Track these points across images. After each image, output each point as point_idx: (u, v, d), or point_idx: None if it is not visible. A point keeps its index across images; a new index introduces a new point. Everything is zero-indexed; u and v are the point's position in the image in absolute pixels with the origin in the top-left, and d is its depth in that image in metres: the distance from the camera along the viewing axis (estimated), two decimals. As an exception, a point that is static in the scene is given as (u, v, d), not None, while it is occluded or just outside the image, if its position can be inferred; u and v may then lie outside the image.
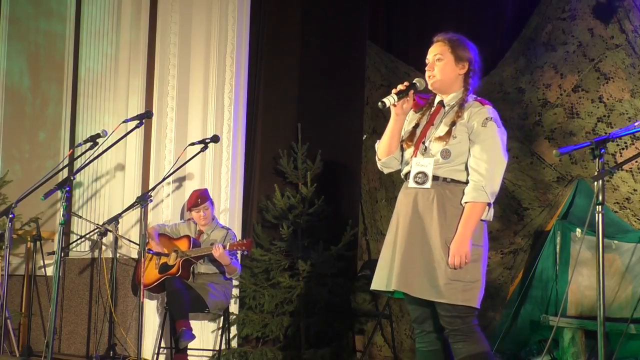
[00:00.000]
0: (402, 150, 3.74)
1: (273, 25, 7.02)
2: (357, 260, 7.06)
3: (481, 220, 3.55)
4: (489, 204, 3.55)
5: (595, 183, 3.18)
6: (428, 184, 3.57)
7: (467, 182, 3.55)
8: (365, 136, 7.36)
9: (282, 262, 6.51)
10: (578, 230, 5.54)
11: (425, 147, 3.62)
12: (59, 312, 6.83)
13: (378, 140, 3.81)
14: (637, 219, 5.91)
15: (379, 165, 3.84)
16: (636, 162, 5.90)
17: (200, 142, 6.28)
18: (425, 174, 3.58)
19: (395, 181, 7.08)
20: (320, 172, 6.72)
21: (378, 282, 3.66)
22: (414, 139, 3.68)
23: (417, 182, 3.60)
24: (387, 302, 6.59)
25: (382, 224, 7.24)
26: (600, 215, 3.19)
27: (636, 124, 3.38)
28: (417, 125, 3.71)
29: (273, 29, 7.02)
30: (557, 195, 6.20)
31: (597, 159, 3.21)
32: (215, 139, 6.35)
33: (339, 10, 7.11)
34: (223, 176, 6.78)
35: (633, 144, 5.94)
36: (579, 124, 6.27)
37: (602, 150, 3.21)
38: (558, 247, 5.59)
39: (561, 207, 5.95)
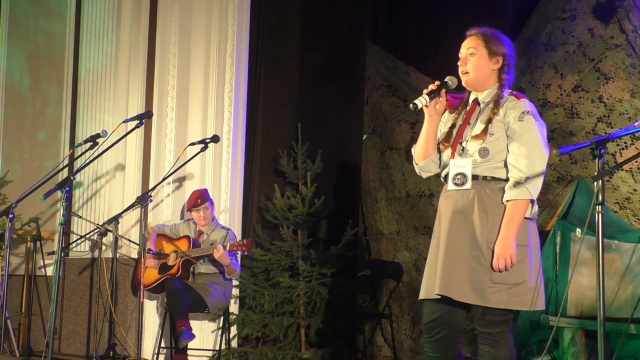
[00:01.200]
0: (440, 152, 3.63)
1: (273, 25, 7.02)
2: (357, 260, 7.06)
3: (525, 218, 3.43)
4: (532, 201, 3.42)
5: (595, 183, 3.18)
6: (468, 185, 3.46)
7: (507, 180, 3.43)
8: (365, 136, 7.36)
9: (282, 262, 6.51)
10: (578, 230, 5.52)
11: (463, 147, 3.50)
12: (59, 312, 6.82)
13: (414, 145, 3.70)
14: (637, 219, 5.91)
15: (417, 170, 3.71)
16: (636, 162, 5.89)
17: (200, 142, 6.29)
18: (464, 175, 3.47)
19: (395, 181, 7.08)
20: (320, 172, 6.71)
21: (427, 291, 3.52)
22: (451, 139, 3.56)
23: (456, 184, 3.49)
24: (387, 302, 6.59)
25: (382, 224, 7.24)
26: (600, 215, 3.18)
27: (636, 124, 3.36)
28: (453, 126, 3.59)
29: (273, 29, 7.02)
30: (557, 195, 6.19)
31: (597, 159, 3.20)
32: (215, 139, 6.35)
33: (339, 10, 7.11)
34: (223, 176, 6.78)
35: (633, 144, 5.94)
36: (579, 124, 6.27)
37: (602, 150, 3.20)
38: (558, 247, 5.58)
39: (561, 207, 5.94)
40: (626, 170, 5.96)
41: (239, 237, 6.55)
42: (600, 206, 3.18)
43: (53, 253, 6.35)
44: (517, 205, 3.39)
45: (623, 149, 5.97)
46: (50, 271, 6.90)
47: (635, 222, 5.89)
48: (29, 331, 6.86)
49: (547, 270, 5.66)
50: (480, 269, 3.39)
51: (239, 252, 6.16)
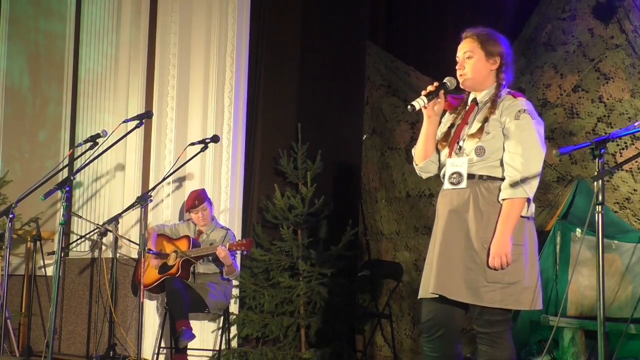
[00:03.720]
0: (439, 152, 3.64)
1: (273, 26, 7.02)
2: (357, 260, 7.06)
3: (522, 217, 3.42)
4: (528, 200, 3.41)
5: (595, 183, 3.18)
6: (463, 184, 3.47)
7: (503, 179, 3.42)
8: (365, 136, 7.37)
9: (282, 262, 6.51)
10: (578, 230, 5.53)
11: (460, 146, 3.52)
12: (59, 312, 6.82)
13: (414, 147, 3.71)
14: (637, 219, 5.91)
15: (417, 171, 3.73)
16: (636, 162, 5.89)
17: (200, 142, 6.28)
18: (459, 174, 3.48)
19: (395, 181, 7.08)
20: (320, 172, 6.72)
21: (425, 290, 3.54)
22: (449, 139, 3.57)
23: (452, 183, 3.50)
24: (387, 302, 6.60)
25: (382, 224, 7.24)
26: (600, 215, 3.18)
27: (636, 124, 3.37)
28: (452, 126, 3.61)
29: (273, 29, 7.02)
30: (557, 195, 6.20)
31: (597, 159, 3.20)
32: (215, 139, 6.35)
33: (339, 10, 7.11)
34: (223, 176, 6.78)
35: (633, 144, 5.94)
36: (579, 124, 6.27)
37: (602, 150, 3.20)
38: (558, 247, 5.58)
39: (561, 207, 5.95)
40: (626, 170, 5.96)
41: (238, 237, 6.55)
42: (600, 206, 3.18)
43: (53, 253, 6.34)
44: (513, 204, 3.39)
45: (623, 149, 5.98)
46: (50, 271, 6.90)
47: (635, 222, 5.89)
48: (29, 331, 6.86)
49: (547, 270, 5.66)
50: (475, 268, 3.39)
51: (237, 252, 6.16)
